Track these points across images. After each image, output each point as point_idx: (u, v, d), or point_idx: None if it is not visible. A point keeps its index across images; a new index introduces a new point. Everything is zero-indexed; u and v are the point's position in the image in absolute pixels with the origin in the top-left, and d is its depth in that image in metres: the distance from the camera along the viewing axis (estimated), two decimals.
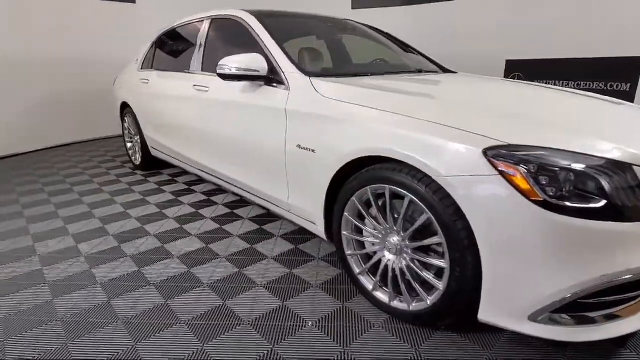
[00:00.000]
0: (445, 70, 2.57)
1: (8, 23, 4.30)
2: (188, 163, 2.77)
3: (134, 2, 5.41)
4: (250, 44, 2.19)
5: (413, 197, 1.30)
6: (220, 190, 3.06)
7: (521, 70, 4.31)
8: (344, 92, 1.62)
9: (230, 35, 2.40)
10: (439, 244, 1.28)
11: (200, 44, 2.56)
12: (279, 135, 1.81)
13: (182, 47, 2.95)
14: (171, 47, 3.11)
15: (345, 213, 1.58)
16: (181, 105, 2.61)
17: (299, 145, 1.71)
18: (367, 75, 1.97)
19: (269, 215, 2.51)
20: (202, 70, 2.49)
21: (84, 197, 3.01)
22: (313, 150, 1.64)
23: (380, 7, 5.91)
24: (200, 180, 3.35)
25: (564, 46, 3.78)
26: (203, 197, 2.94)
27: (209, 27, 2.54)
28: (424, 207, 1.28)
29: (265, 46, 1.99)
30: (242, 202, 2.78)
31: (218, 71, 1.91)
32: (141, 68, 3.41)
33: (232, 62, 1.87)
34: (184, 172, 3.59)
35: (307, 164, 1.69)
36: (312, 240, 2.19)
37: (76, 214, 2.66)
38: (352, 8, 6.05)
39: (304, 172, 1.73)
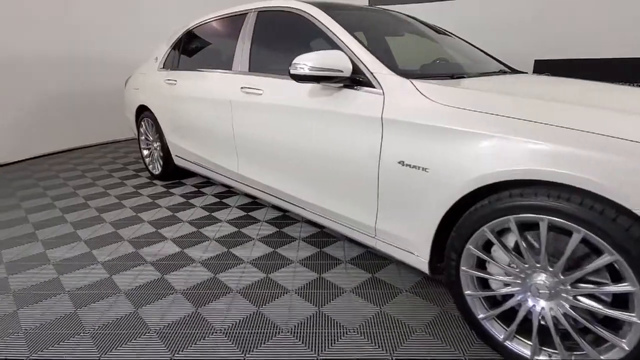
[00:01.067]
0: (515, 70, 2.31)
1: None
2: (231, 177, 2.43)
3: None
4: (317, 40, 1.89)
5: (590, 234, 1.02)
6: (258, 203, 2.74)
7: (551, 71, 4.11)
8: (466, 98, 1.33)
9: (287, 30, 2.08)
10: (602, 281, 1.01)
11: (245, 41, 2.23)
12: (370, 149, 1.51)
13: (218, 45, 2.62)
14: (203, 45, 2.78)
15: (469, 246, 1.29)
16: (222, 110, 2.28)
17: (402, 162, 1.41)
18: (464, 77, 1.69)
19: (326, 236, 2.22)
20: (250, 70, 2.17)
21: (104, 214, 2.65)
22: (425, 169, 1.35)
23: (400, 4, 5.70)
24: (229, 191, 3.02)
25: (598, 45, 3.58)
26: (240, 212, 2.61)
27: (255, 22, 2.22)
28: (608, 247, 1.00)
29: (344, 43, 1.69)
30: (289, 217, 2.48)
31: (292, 71, 1.60)
32: (163, 68, 3.06)
33: (309, 61, 1.56)
34: (209, 183, 3.25)
35: (413, 185, 1.40)
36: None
37: (101, 236, 2.31)
38: (370, 5, 5.84)
39: (407, 194, 1.43)
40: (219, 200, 2.87)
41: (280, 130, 1.92)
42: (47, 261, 2.03)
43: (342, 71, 1.55)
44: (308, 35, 1.93)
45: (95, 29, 4.67)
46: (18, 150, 4.17)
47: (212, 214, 2.61)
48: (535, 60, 4.31)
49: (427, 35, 2.40)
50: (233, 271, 1.89)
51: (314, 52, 1.59)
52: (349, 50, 1.65)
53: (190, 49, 2.85)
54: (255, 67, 2.16)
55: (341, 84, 1.63)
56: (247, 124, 2.12)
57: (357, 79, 1.59)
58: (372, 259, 1.99)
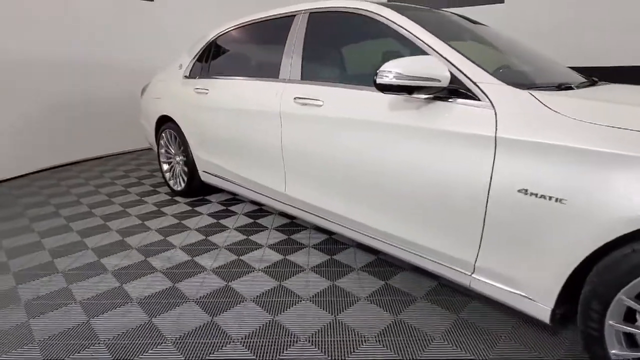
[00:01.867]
0: (595, 79, 2.09)
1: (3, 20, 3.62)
2: (274, 197, 2.17)
3: (152, 0, 4.78)
4: (389, 45, 1.66)
5: None
6: (297, 224, 2.48)
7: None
8: (605, 113, 1.10)
9: (349, 34, 1.85)
10: None
11: (295, 46, 1.99)
12: (475, 174, 1.27)
13: (258, 51, 2.38)
14: (238, 51, 2.53)
15: (622, 296, 1.05)
16: (268, 123, 2.03)
17: (524, 191, 1.17)
18: (572, 88, 1.45)
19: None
20: (302, 78, 1.92)
21: (128, 238, 2.38)
22: (561, 201, 1.10)
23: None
24: (261, 210, 2.76)
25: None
26: (281, 235, 2.34)
27: (307, 24, 1.98)
28: None
29: (433, 49, 1.45)
30: (341, 243, 2.22)
31: (378, 80, 1.35)
32: (189, 76, 2.81)
33: (400, 68, 1.32)
34: (236, 199, 2.99)
35: (541, 219, 1.15)
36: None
37: (130, 266, 2.03)
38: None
39: (530, 229, 1.18)
40: (252, 220, 2.60)
41: (347, 148, 1.66)
42: (72, 300, 1.76)
43: (439, 80, 1.32)
44: (377, 40, 1.70)
45: (105, 33, 4.42)
46: (22, 163, 3.87)
47: (250, 237, 2.34)
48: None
49: (489, 41, 2.18)
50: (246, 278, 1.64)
51: (403, 58, 1.35)
52: (441, 56, 1.41)
53: (224, 56, 2.61)
54: (310, 75, 1.92)
55: (431, 96, 1.39)
56: (302, 139, 1.87)
57: (455, 90, 1.35)
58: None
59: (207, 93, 2.50)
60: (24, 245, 2.31)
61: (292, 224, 2.52)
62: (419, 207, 1.46)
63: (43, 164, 4.07)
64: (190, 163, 2.84)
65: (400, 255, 1.63)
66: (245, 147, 2.27)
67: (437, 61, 1.33)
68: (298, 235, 2.34)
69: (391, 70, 1.33)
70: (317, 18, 1.96)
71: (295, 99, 1.87)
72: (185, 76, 2.83)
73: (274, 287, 1.80)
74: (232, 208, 2.84)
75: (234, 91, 2.32)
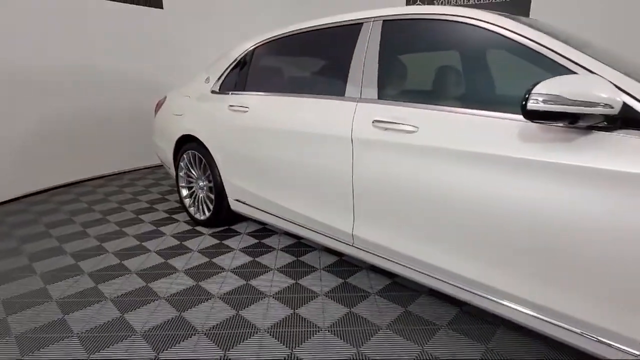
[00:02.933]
0: None
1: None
2: (336, 237, 1.83)
3: (162, 8, 4.44)
4: (504, 59, 1.35)
5: None
6: (348, 263, 2.13)
7: None
8: None
9: (448, 46, 1.54)
10: None
11: (367, 59, 1.67)
12: None
13: (313, 63, 2.05)
14: (287, 62, 2.21)
15: None
16: (334, 150, 1.69)
17: None
18: None
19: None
20: (380, 97, 1.60)
21: (154, 283, 1.99)
22: None
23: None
24: (300, 244, 2.39)
25: None
26: (335, 278, 1.99)
27: (382, 34, 1.66)
28: None
29: (584, 68, 1.15)
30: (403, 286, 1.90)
31: (530, 106, 1.04)
32: (219, 90, 2.46)
33: (558, 91, 1.01)
34: (267, 231, 2.62)
35: None
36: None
37: (164, 325, 1.65)
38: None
39: None
40: (295, 258, 2.24)
41: (455, 188, 1.33)
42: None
43: (611, 107, 1.01)
44: (487, 52, 1.39)
45: (111, 43, 4.05)
46: (16, 185, 3.43)
47: (299, 282, 1.98)
48: None
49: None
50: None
51: (559, 78, 1.04)
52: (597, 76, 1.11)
53: (267, 69, 2.27)
54: (391, 93, 1.59)
55: (588, 124, 1.08)
56: (383, 171, 1.53)
57: (625, 119, 1.05)
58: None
59: (245, 111, 2.16)
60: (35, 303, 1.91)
61: (342, 262, 2.17)
62: (565, 265, 1.14)
63: (39, 185, 3.64)
64: (218, 189, 2.47)
65: (532, 326, 1.28)
66: (296, 176, 1.92)
67: (606, 82, 1.03)
68: (355, 280, 2.00)
69: (548, 93, 1.02)
70: (396, 27, 1.64)
71: (374, 122, 1.55)
72: (214, 91, 2.49)
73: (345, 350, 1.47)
74: (267, 242, 2.47)
75: (283, 110, 1.98)
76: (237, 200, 2.39)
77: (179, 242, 2.48)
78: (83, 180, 4.03)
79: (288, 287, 1.93)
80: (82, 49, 3.80)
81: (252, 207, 2.30)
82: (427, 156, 1.40)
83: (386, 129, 1.51)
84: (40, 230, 2.71)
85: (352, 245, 1.77)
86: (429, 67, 1.66)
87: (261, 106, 2.10)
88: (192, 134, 2.56)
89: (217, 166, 2.44)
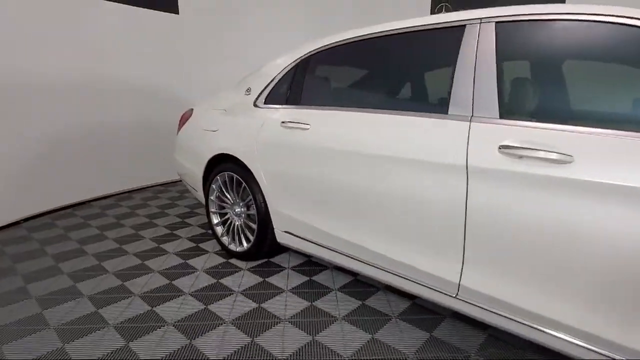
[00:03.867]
0: None
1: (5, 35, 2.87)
2: (433, 286, 1.48)
3: (177, 14, 4.11)
4: None
5: None
6: (428, 311, 1.80)
7: None
8: None
9: (588, 52, 1.23)
10: None
11: (479, 69, 1.35)
12: None
13: (396, 72, 1.73)
14: (359, 72, 1.87)
15: None
16: (439, 180, 1.36)
17: None
18: None
19: None
20: (503, 116, 1.28)
21: (198, 340, 1.61)
22: None
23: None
24: (360, 284, 2.04)
25: None
26: (418, 330, 1.65)
27: (496, 40, 1.35)
28: None
29: None
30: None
31: None
32: (265, 103, 2.13)
33: None
34: (315, 265, 2.27)
35: None
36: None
37: None
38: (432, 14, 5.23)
39: None
40: (360, 302, 1.88)
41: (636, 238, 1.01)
42: None
43: None
44: None
45: (121, 51, 3.70)
46: (15, 207, 3.03)
47: (376, 336, 1.63)
48: None
49: None
50: None
51: None
52: None
53: (333, 78, 1.94)
54: (525, 111, 1.28)
55: None
56: (519, 211, 1.20)
57: None
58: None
59: (305, 128, 1.82)
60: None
61: (412, 309, 1.83)
62: None
63: (39, 208, 3.23)
64: (261, 218, 2.12)
65: None
66: (375, 208, 1.58)
67: None
68: (441, 332, 1.66)
69: None
70: (520, 29, 1.33)
71: (502, 147, 1.22)
72: (259, 104, 2.15)
73: None
74: (319, 279, 2.11)
75: (359, 129, 1.64)
76: (287, 232, 2.04)
77: (215, 280, 2.11)
78: (88, 200, 3.63)
79: (366, 343, 1.58)
80: (87, 56, 3.45)
81: (308, 241, 1.94)
82: (587, 194, 1.08)
83: (521, 156, 1.19)
84: (47, 264, 2.32)
85: (454, 297, 1.43)
86: (578, 78, 1.35)
87: (327, 123, 1.76)
88: (229, 153, 2.21)
89: (261, 191, 2.09)
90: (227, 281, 2.11)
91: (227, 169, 2.28)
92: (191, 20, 4.23)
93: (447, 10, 5.33)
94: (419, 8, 5.29)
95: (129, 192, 3.99)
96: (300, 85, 1.99)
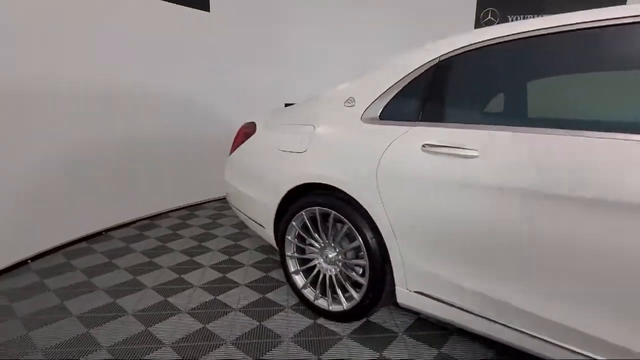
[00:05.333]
0: None
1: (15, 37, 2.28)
2: None
3: (208, 11, 3.57)
4: None
5: None
6: None
7: None
8: None
9: None
10: None
11: None
12: None
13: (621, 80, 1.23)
14: (553, 77, 1.37)
15: None
16: None
17: None
18: None
19: None
20: None
21: None
22: None
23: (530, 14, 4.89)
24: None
25: None
26: None
27: None
28: None
29: None
30: None
31: None
32: (383, 117, 1.60)
33: None
34: (430, 328, 1.72)
35: None
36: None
37: None
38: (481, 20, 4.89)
39: None
40: None
41: None
42: None
43: None
44: None
45: (145, 54, 3.14)
46: (18, 245, 2.40)
47: None
48: None
49: None
50: None
51: None
52: None
53: (510, 85, 1.42)
54: None
55: None
56: None
57: None
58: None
59: (471, 156, 1.29)
60: None
61: None
62: None
63: (49, 242, 2.61)
64: (376, 271, 1.58)
65: None
66: (596, 274, 1.06)
67: None
68: None
69: None
70: None
71: None
72: (372, 118, 1.61)
73: None
74: (449, 352, 1.58)
75: (589, 160, 1.11)
76: (419, 292, 1.50)
77: (313, 355, 1.55)
78: (106, 229, 3.01)
79: None
80: (102, 57, 2.88)
81: (454, 306, 1.41)
82: None
83: None
84: (124, 278, 1.72)
85: None
86: None
87: (514, 150, 1.23)
88: (324, 182, 1.67)
89: (379, 236, 1.55)
90: (329, 357, 1.55)
91: (318, 203, 1.73)
92: (221, 17, 3.70)
93: (493, 16, 4.95)
94: (464, 14, 4.92)
95: (145, 218, 3.38)
96: (445, 94, 1.47)
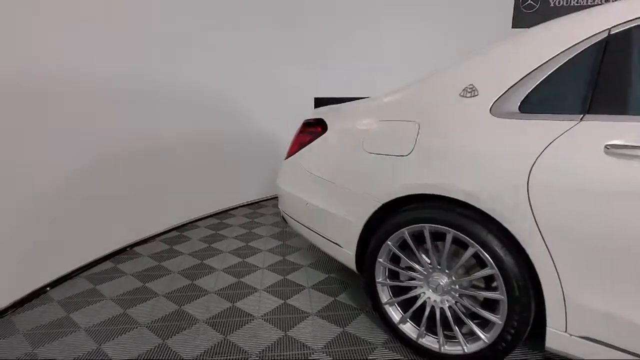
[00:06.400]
0: None
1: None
2: None
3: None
4: None
5: None
6: None
7: None
8: None
9: None
10: None
11: None
12: None
13: None
14: None
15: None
16: None
17: None
18: None
19: None
20: None
21: None
22: None
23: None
24: None
25: None
26: None
27: None
28: None
29: None
30: None
31: None
32: (523, 109, 1.24)
33: None
34: None
35: None
36: None
37: None
38: (513, 27, 4.54)
39: None
40: None
41: None
42: None
43: None
44: None
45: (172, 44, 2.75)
46: (24, 280, 2.01)
47: None
48: None
49: None
50: None
51: None
52: None
53: None
54: None
55: None
56: None
57: None
58: None
59: None
60: None
61: None
62: None
63: (59, 269, 2.22)
64: (518, 305, 1.22)
65: None
66: None
67: None
68: None
69: None
70: None
71: None
72: (506, 111, 1.26)
73: None
74: None
75: None
76: (585, 337, 1.15)
77: None
78: (131, 245, 2.62)
79: None
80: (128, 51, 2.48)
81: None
82: None
83: None
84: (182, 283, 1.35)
85: None
86: None
87: None
88: (444, 194, 1.31)
89: (531, 262, 1.19)
90: None
91: (428, 219, 1.37)
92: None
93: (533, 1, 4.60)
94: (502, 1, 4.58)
95: (164, 232, 3.00)
96: (624, 77, 1.11)
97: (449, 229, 1.33)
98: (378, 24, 4.19)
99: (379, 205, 1.49)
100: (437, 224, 1.35)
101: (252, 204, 3.71)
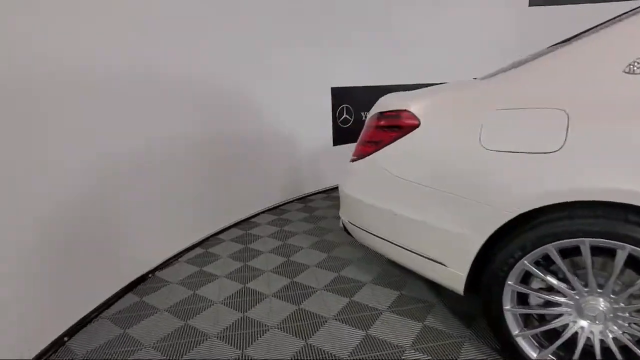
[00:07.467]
0: None
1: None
2: None
3: None
4: None
5: None
6: None
7: None
8: None
9: None
10: None
11: None
12: None
13: None
14: None
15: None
16: None
17: None
18: None
19: None
20: None
21: None
22: None
23: (563, 5, 4.34)
24: None
25: None
26: None
27: None
28: None
29: None
30: None
31: None
32: None
33: None
34: None
35: None
36: None
37: None
38: (530, 5, 4.39)
39: None
40: None
41: None
42: None
43: None
44: None
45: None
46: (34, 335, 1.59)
47: None
48: None
49: None
50: None
51: None
52: None
53: None
54: None
55: None
56: None
57: None
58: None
59: None
60: None
61: None
62: None
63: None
64: None
65: None
66: None
67: None
68: None
69: None
70: None
71: None
72: None
73: None
74: None
75: None
76: None
77: None
78: (152, 269, 2.21)
79: None
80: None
81: None
82: None
83: None
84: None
85: None
86: None
87: None
88: (628, 202, 1.02)
89: None
90: None
91: (593, 232, 1.07)
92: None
93: None
94: None
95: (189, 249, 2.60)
96: None
97: (624, 244, 1.04)
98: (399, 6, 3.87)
99: (511, 216, 1.18)
100: (607, 239, 1.06)
101: (272, 209, 3.34)
